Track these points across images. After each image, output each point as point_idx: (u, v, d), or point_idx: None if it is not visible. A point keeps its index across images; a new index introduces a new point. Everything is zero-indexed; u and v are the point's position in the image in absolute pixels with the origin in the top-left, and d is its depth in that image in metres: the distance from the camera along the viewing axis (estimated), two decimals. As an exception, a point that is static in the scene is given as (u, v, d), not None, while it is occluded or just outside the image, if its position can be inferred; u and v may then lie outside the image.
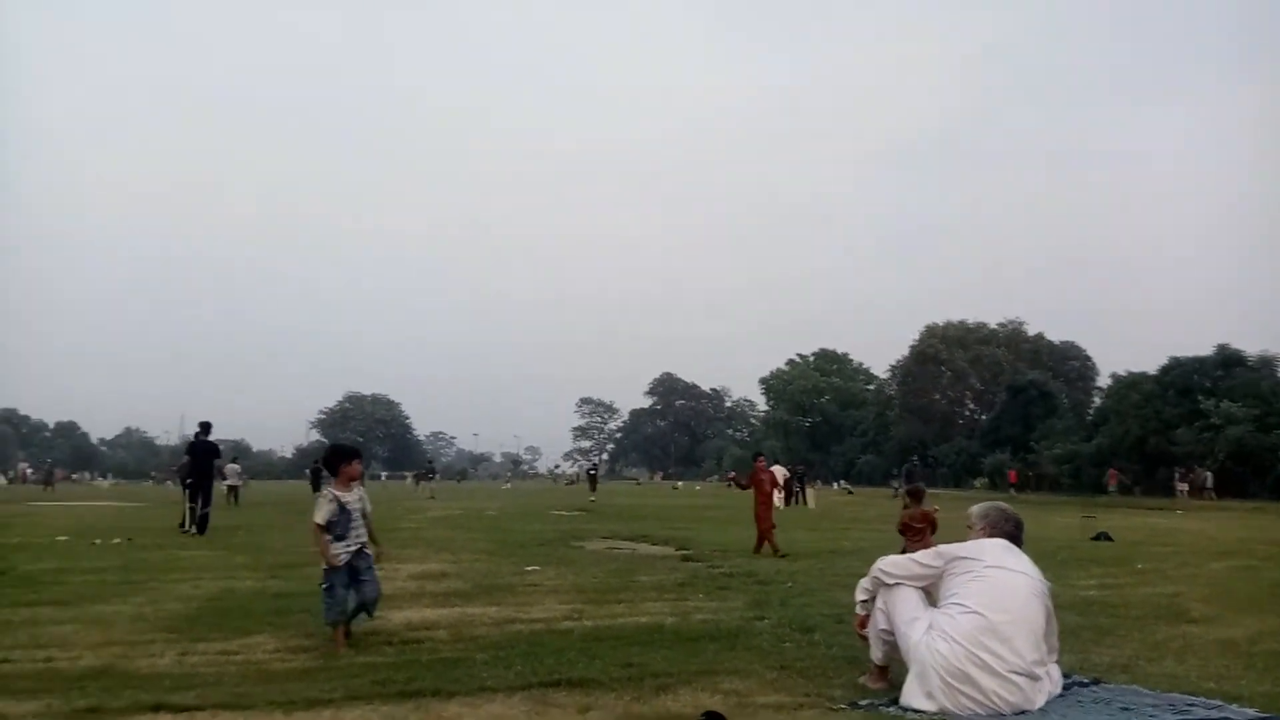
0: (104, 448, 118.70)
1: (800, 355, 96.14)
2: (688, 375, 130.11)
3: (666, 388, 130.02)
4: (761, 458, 14.00)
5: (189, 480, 15.70)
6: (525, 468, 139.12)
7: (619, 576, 9.31)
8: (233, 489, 29.11)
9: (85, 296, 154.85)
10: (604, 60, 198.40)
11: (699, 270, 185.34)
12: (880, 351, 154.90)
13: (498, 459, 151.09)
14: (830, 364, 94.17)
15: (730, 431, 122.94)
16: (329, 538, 5.63)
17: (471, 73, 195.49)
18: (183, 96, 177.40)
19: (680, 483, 74.56)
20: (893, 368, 74.25)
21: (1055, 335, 69.49)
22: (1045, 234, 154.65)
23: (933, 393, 68.36)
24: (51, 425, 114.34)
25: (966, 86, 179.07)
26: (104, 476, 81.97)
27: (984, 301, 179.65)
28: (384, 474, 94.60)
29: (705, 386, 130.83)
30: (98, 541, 12.87)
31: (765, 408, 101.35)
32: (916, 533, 8.24)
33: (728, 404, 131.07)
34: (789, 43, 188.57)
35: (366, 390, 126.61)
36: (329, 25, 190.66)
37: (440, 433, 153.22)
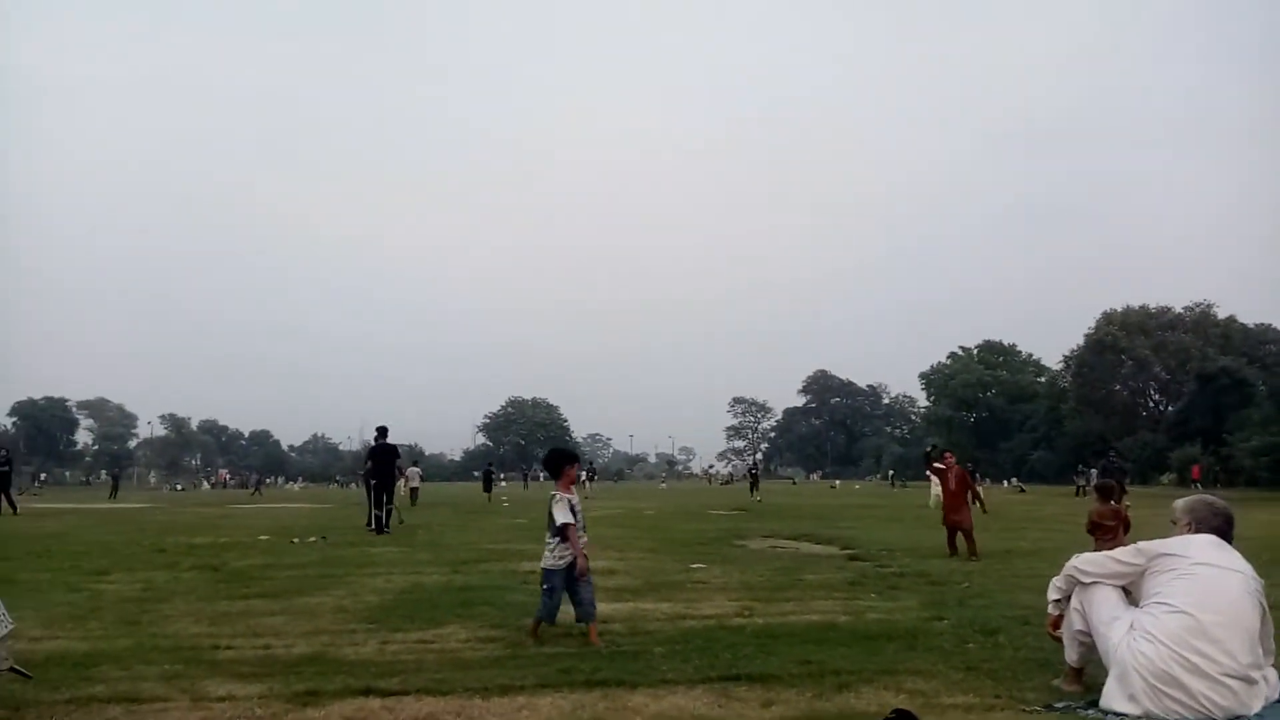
0: (293, 454, 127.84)
1: (963, 347, 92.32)
2: (842, 372, 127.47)
3: (821, 385, 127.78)
4: (949, 454, 12.91)
5: (372, 482, 16.37)
6: (680, 468, 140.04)
7: (785, 575, 9.27)
8: (413, 490, 30.97)
9: (276, 319, 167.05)
10: (726, 44, 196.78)
11: (851, 266, 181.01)
12: (1051, 341, 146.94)
13: (653, 459, 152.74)
14: (996, 356, 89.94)
15: (889, 429, 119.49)
16: (556, 539, 5.80)
17: (607, 78, 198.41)
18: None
19: (838, 482, 73.15)
20: (1066, 358, 70.00)
21: (1248, 317, 63.76)
22: (1235, 208, 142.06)
23: (1112, 383, 64.10)
24: (247, 434, 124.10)
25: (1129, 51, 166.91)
26: (295, 481, 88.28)
27: (1164, 285, 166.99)
28: (543, 475, 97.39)
29: (861, 383, 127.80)
30: (295, 540, 13.91)
31: (926, 403, 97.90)
32: (1107, 531, 7.77)
33: (885, 400, 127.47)
34: (926, 17, 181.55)
35: (528, 395, 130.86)
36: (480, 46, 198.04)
37: (597, 434, 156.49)
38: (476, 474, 38.13)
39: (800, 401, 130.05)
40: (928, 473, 18.31)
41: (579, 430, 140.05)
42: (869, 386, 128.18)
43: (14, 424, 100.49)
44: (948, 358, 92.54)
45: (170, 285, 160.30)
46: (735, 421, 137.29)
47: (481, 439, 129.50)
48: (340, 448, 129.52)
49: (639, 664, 5.01)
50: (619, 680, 4.62)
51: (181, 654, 5.34)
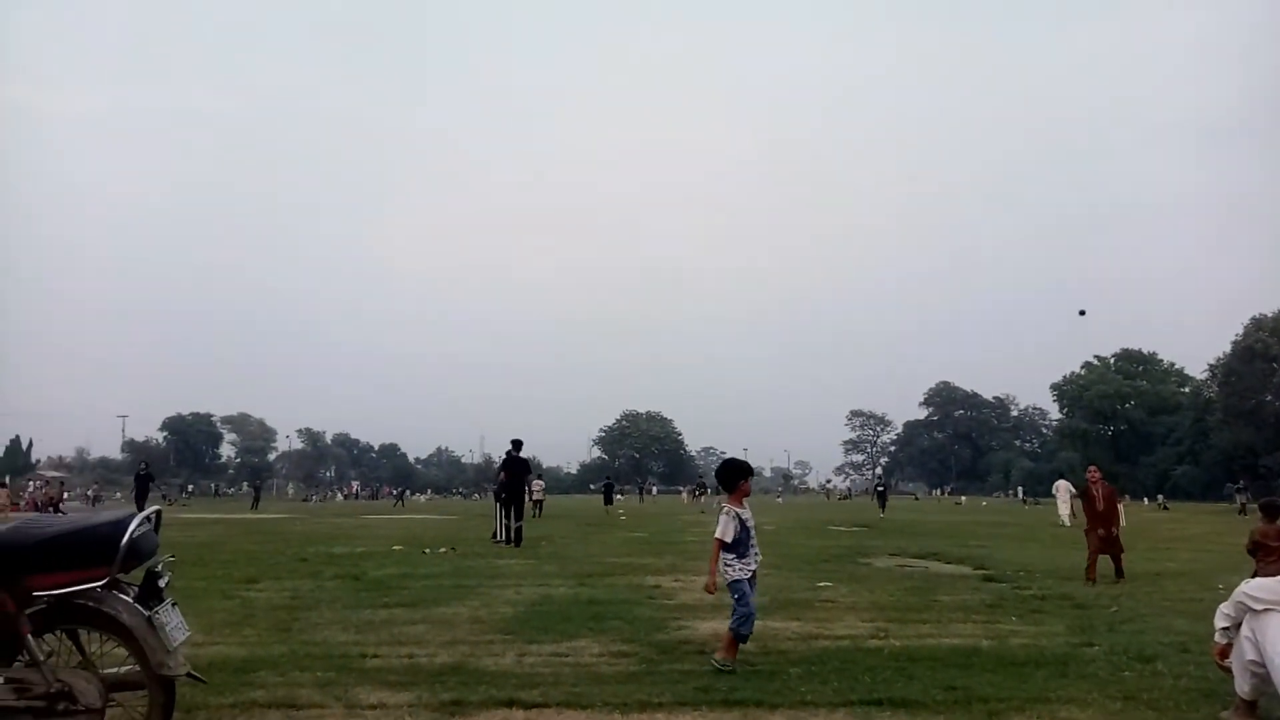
0: (419, 466, 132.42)
1: (1098, 357, 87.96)
2: (966, 383, 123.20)
3: (944, 397, 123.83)
4: (1094, 468, 11.94)
5: (503, 495, 16.32)
6: (796, 482, 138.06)
7: (918, 595, 9.01)
8: (538, 502, 31.79)
9: (401, 339, 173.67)
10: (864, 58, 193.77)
11: (976, 273, 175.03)
12: (1195, 350, 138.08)
13: (767, 474, 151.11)
14: (1135, 365, 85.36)
15: (1018, 443, 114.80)
16: (731, 555, 5.68)
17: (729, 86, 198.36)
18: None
19: (963, 498, 70.69)
20: (1212, 366, 65.80)
21: None
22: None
23: (1263, 393, 59.71)
24: (376, 447, 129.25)
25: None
26: (422, 493, 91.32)
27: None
28: (655, 488, 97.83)
29: (987, 394, 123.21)
30: (427, 551, 14.37)
31: (1058, 416, 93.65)
32: (1271, 552, 7.24)
33: (1014, 413, 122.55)
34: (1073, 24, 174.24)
35: (642, 408, 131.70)
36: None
37: (711, 448, 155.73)
38: (594, 486, 38.89)
39: (922, 414, 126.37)
40: (1053, 490, 17.50)
41: (693, 443, 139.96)
42: (995, 398, 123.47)
43: (165, 438, 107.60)
44: (1082, 367, 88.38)
45: (306, 310, 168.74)
46: (853, 435, 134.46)
47: (597, 452, 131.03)
48: (462, 460, 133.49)
49: (775, 684, 4.96)
50: (757, 700, 4.58)
51: (332, 661, 5.59)
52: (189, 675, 3.65)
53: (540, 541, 17.06)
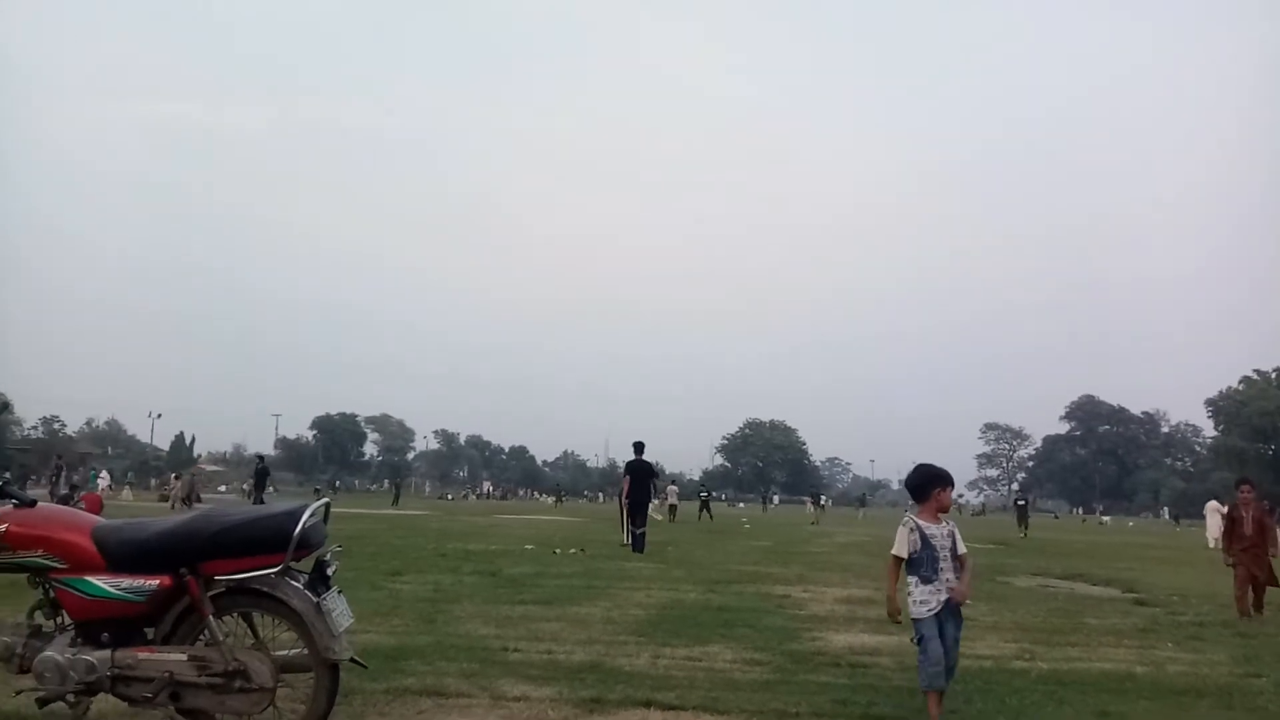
0: (546, 468, 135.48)
1: (1258, 371, 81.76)
2: (1112, 397, 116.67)
3: (1087, 412, 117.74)
4: (1247, 485, 10.66)
5: (627, 499, 16.01)
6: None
7: (1063, 617, 8.62)
8: (672, 507, 32.24)
9: (531, 341, 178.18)
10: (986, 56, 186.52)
11: (1122, 283, 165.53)
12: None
13: (895, 486, 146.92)
14: (1301, 380, 78.89)
15: (1168, 461, 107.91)
16: (913, 579, 4.55)
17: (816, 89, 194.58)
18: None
19: (1107, 517, 66.95)
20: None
21: None
22: None
23: None
24: (507, 449, 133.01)
25: None
26: (548, 495, 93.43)
27: None
28: (777, 498, 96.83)
29: (1134, 409, 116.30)
30: (557, 551, 14.70)
31: (1214, 433, 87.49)
32: None
33: (1164, 429, 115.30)
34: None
35: (765, 416, 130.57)
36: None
37: (836, 459, 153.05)
38: (703, 494, 39.21)
39: (1063, 429, 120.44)
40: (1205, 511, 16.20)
41: (817, 454, 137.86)
42: (1144, 413, 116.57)
43: (314, 436, 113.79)
44: (1240, 382, 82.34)
45: (444, 316, 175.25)
46: (987, 449, 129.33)
47: (719, 459, 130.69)
48: (588, 464, 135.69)
49: (916, 702, 4.84)
50: (897, 716, 4.51)
51: (476, 653, 5.80)
52: (352, 659, 3.87)
53: (666, 547, 17.17)
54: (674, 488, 35.97)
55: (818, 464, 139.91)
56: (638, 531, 15.49)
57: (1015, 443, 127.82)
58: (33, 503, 3.91)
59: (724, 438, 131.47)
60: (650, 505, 15.99)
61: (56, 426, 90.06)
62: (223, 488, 72.49)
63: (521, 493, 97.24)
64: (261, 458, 32.70)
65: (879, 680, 5.44)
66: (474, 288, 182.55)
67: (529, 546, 15.65)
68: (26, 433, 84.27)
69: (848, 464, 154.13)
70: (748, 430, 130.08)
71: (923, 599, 4.46)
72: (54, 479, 32.69)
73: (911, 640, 4.50)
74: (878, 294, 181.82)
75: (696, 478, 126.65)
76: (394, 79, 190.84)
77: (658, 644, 6.36)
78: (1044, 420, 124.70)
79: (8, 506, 3.84)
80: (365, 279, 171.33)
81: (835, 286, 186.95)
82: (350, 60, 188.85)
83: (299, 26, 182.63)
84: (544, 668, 5.47)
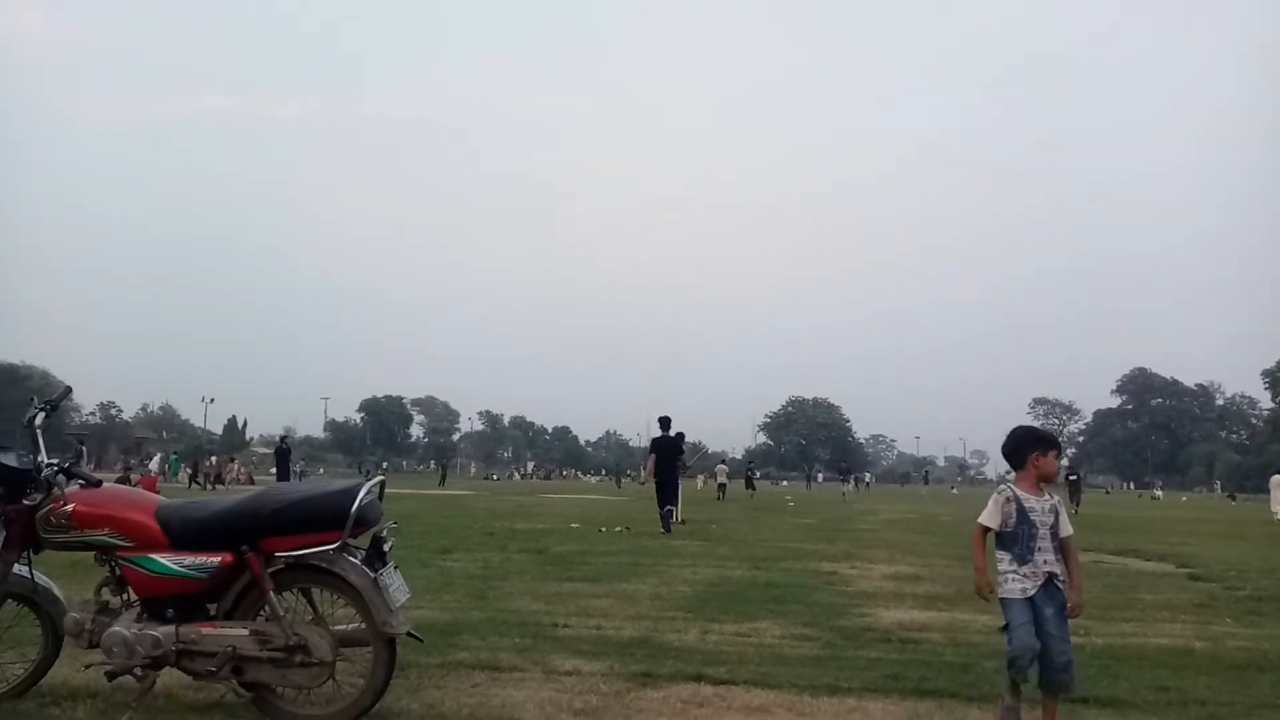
0: (589, 448, 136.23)
1: (1320, 341, 79.28)
2: (1164, 369, 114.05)
3: (1139, 385, 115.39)
4: None
5: (655, 478, 15.37)
6: (972, 472, 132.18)
7: (1117, 592, 8.48)
8: (721, 485, 32.54)
9: (573, 323, 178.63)
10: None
11: (1176, 243, 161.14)
12: None
13: (941, 463, 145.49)
14: (1365, 350, 76.40)
15: (1223, 434, 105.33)
16: (1005, 556, 3.96)
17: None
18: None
19: (1160, 492, 65.67)
20: None
21: None
22: None
23: None
24: (550, 429, 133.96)
25: None
26: (592, 474, 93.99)
27: None
28: (821, 475, 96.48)
29: (1188, 381, 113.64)
30: (603, 529, 14.80)
31: (1270, 405, 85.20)
32: None
33: (1219, 402, 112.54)
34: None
35: (808, 394, 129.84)
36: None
37: (880, 435, 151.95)
38: (750, 471, 39.42)
39: (1114, 403, 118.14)
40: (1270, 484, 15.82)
41: (861, 430, 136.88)
42: (1198, 385, 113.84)
43: (362, 418, 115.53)
44: (1301, 352, 79.94)
45: (482, 295, 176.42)
46: (1037, 424, 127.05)
47: (762, 437, 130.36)
48: (630, 443, 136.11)
49: (970, 676, 4.81)
50: (951, 692, 4.46)
51: (527, 629, 5.87)
52: (409, 634, 3.94)
53: (710, 525, 17.20)
54: (723, 466, 36.31)
55: (862, 441, 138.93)
56: (664, 510, 14.76)
57: (1065, 417, 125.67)
58: (98, 483, 4.02)
59: (766, 416, 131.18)
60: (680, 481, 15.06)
61: (114, 412, 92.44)
62: (275, 470, 73.96)
63: (565, 473, 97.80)
64: (283, 438, 33.18)
65: (931, 655, 5.40)
66: (515, 270, 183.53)
67: (575, 525, 15.77)
68: (85, 419, 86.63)
69: (892, 441, 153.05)
70: (790, 408, 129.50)
71: (1014, 580, 3.90)
72: (127, 465, 33.99)
73: (1001, 630, 4.01)
74: (922, 266, 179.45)
75: (739, 456, 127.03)
76: (426, 66, 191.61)
77: (706, 620, 6.38)
78: (1095, 394, 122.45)
79: (74, 487, 3.96)
80: (408, 265, 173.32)
81: (878, 258, 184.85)
82: (385, 49, 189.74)
83: (332, 19, 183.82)
84: (594, 642, 5.52)
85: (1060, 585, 3.88)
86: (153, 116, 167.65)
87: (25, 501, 3.88)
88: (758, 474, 41.51)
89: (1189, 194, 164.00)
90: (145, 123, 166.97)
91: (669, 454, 15.38)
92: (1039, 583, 3.85)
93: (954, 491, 64.42)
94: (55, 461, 3.96)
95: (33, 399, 4.22)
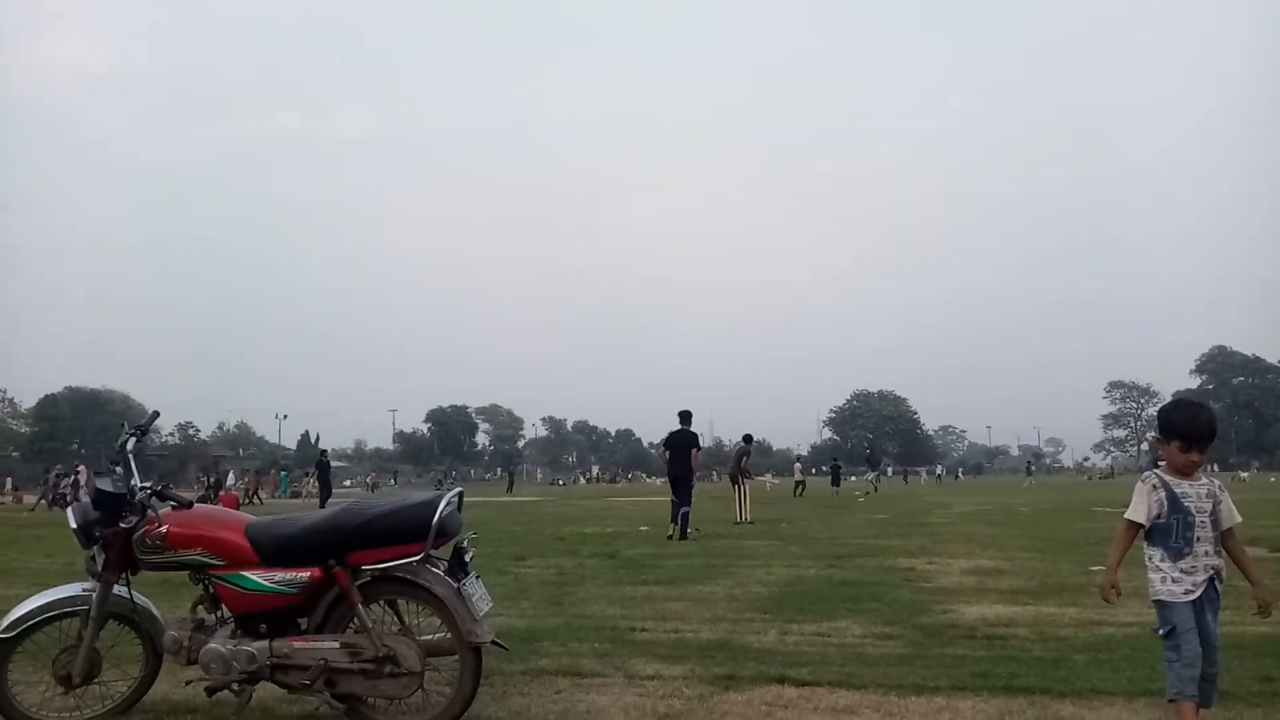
0: (653, 450, 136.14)
1: None
2: (1246, 346, 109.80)
3: (1219, 364, 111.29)
4: None
5: (669, 474, 14.32)
6: (1048, 461, 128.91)
7: (1210, 580, 8.18)
8: (799, 483, 32.93)
9: (636, 324, 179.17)
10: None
11: (1253, 217, 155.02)
12: None
13: (1014, 452, 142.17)
14: None
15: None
16: (1157, 552, 3.47)
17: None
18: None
19: (1246, 473, 63.29)
20: None
21: None
22: None
23: None
24: (613, 432, 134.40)
25: None
26: (657, 476, 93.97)
27: None
28: (890, 469, 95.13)
29: (1271, 358, 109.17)
30: (672, 533, 14.75)
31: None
32: None
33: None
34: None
35: (873, 387, 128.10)
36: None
37: (950, 426, 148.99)
38: (825, 468, 38.92)
39: (1194, 383, 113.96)
40: None
41: (929, 422, 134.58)
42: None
43: (429, 429, 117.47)
44: (1394, 323, 76.23)
45: (547, 305, 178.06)
46: (1113, 409, 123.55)
47: (828, 433, 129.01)
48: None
49: (1061, 672, 4.69)
50: (1043, 688, 4.35)
51: (605, 634, 5.90)
52: (494, 642, 3.99)
53: (780, 523, 17.10)
54: (799, 464, 36.83)
55: (930, 433, 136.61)
56: (681, 511, 13.62)
57: (1143, 400, 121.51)
58: (190, 504, 4.15)
59: (831, 410, 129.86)
60: (694, 479, 13.98)
61: (191, 432, 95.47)
62: (347, 482, 75.73)
63: (630, 475, 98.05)
64: (323, 452, 33.76)
65: (1019, 651, 5.28)
66: (570, 274, 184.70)
67: (644, 528, 15.81)
68: (164, 439, 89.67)
69: (962, 432, 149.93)
70: (855, 402, 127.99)
71: (1174, 579, 3.38)
72: (206, 484, 35.14)
73: (1155, 632, 3.51)
74: (989, 248, 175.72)
75: (805, 453, 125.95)
76: (480, 77, 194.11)
77: (784, 620, 6.34)
78: (1173, 375, 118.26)
79: (167, 509, 4.09)
80: (466, 277, 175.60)
81: (940, 242, 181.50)
82: (439, 63, 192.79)
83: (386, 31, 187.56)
84: (673, 646, 5.52)
85: (1220, 585, 3.44)
86: (213, 140, 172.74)
87: (122, 525, 4.02)
88: (842, 468, 41.06)
89: (1263, 173, 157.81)
90: (207, 146, 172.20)
91: (683, 449, 14.37)
92: (1201, 580, 3.37)
93: (1030, 481, 62.80)
94: (149, 485, 4.09)
95: (123, 424, 4.36)
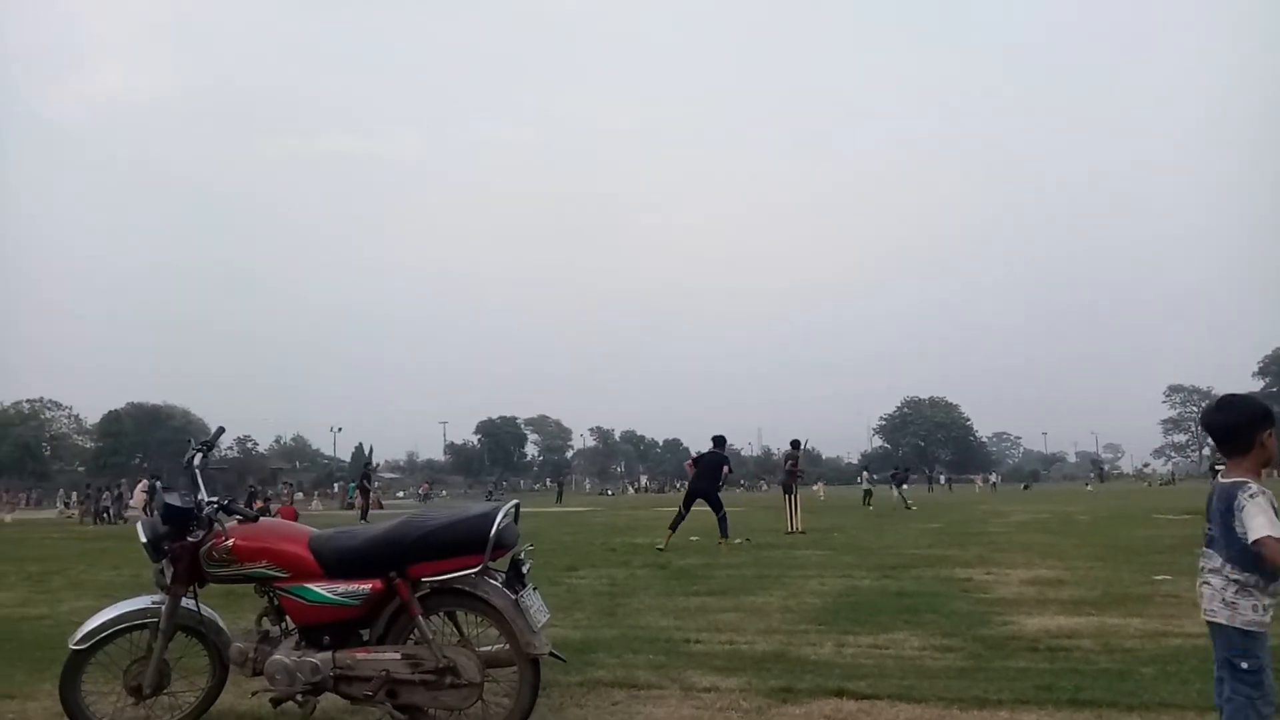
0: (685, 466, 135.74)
1: None
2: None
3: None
4: None
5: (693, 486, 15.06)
6: (1107, 467, 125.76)
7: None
8: (867, 492, 32.84)
9: (680, 334, 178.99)
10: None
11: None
12: None
13: (1071, 459, 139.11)
14: None
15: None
16: (1252, 576, 2.93)
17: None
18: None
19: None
20: None
21: None
22: None
23: None
24: (661, 442, 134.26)
25: None
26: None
27: None
28: (943, 477, 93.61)
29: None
30: (722, 542, 14.70)
31: None
32: None
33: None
34: None
35: (924, 394, 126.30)
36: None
37: (1004, 433, 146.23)
38: (875, 477, 38.51)
39: (1257, 385, 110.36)
40: None
41: (983, 429, 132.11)
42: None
43: (479, 440, 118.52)
44: None
45: (595, 316, 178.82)
46: (1173, 413, 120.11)
47: (878, 441, 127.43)
48: (741, 453, 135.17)
49: (1128, 685, 4.58)
50: (1110, 702, 4.25)
51: (659, 645, 5.90)
52: (552, 654, 4.01)
53: (832, 533, 16.93)
54: (866, 472, 37.27)
55: (984, 439, 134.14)
56: (679, 516, 14.51)
57: (1204, 404, 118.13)
58: (256, 518, 4.24)
59: (881, 418, 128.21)
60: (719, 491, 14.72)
61: (249, 445, 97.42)
62: (400, 494, 76.71)
63: (679, 485, 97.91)
64: (366, 464, 34.36)
65: (1083, 664, 5.16)
66: (615, 285, 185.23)
67: (694, 538, 15.74)
68: (224, 453, 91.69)
69: (1017, 438, 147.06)
70: (906, 409, 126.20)
71: (1264, 606, 2.92)
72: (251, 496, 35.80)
73: (1238, 664, 2.97)
74: (1037, 249, 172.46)
75: (855, 460, 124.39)
76: (522, 93, 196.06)
77: (839, 632, 6.27)
78: (1236, 378, 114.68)
79: (233, 522, 4.19)
80: (516, 289, 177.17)
81: (992, 235, 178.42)
82: (483, 78, 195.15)
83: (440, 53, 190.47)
84: (728, 658, 5.50)
85: None
86: (276, 157, 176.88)
87: (189, 539, 4.13)
88: (875, 478, 40.44)
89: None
90: (266, 163, 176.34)
91: (712, 465, 15.16)
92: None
93: (1088, 488, 61.35)
94: (215, 499, 4.20)
95: (189, 440, 4.48)
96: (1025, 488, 49.88)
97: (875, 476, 43.83)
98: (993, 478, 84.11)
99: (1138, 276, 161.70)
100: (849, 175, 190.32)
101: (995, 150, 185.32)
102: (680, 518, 14.57)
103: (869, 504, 31.34)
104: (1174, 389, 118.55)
